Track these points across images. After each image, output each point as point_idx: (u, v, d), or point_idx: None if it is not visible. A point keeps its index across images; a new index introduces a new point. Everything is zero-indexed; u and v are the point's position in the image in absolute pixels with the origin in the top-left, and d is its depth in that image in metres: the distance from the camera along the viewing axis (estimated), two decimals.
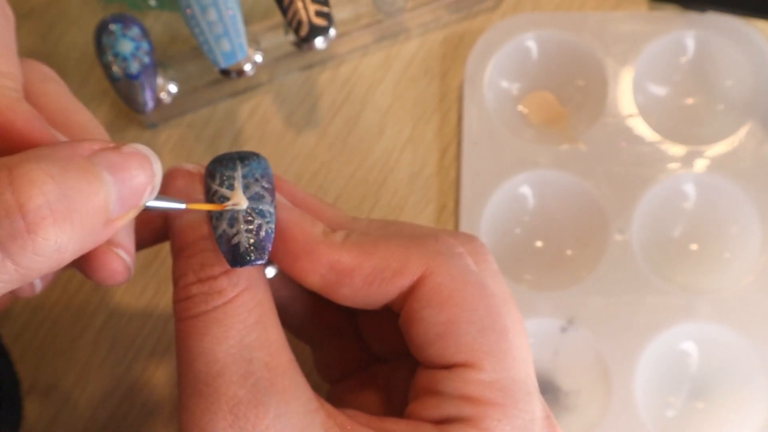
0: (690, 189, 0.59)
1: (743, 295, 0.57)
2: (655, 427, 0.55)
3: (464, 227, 0.58)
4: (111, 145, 0.33)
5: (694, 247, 0.59)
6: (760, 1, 0.60)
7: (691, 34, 0.61)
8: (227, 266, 0.37)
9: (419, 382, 0.40)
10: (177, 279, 0.38)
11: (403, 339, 0.43)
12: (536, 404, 0.39)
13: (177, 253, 0.38)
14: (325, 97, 0.61)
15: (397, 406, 0.43)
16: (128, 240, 0.37)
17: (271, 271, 0.42)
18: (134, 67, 0.53)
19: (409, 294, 0.39)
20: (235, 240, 0.36)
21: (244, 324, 0.36)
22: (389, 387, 0.44)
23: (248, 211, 0.36)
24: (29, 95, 0.37)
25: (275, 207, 0.38)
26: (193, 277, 0.37)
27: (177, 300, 0.38)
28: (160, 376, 0.56)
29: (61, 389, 0.56)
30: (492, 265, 0.41)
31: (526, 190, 0.60)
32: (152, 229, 0.41)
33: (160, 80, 0.57)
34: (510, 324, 0.39)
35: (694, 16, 0.61)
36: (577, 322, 0.56)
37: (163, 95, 0.57)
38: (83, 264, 0.35)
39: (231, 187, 0.37)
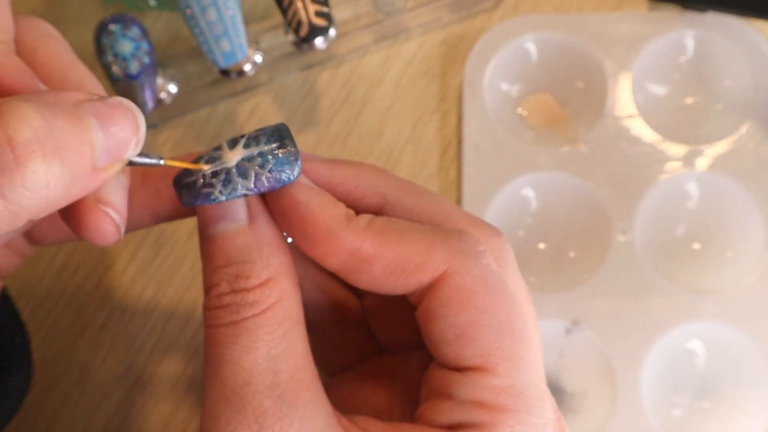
0: (691, 188, 0.62)
1: (747, 293, 0.59)
2: (662, 426, 0.57)
3: None
4: (96, 96, 0.34)
5: (697, 246, 0.61)
6: (760, 2, 0.62)
7: (691, 34, 0.63)
8: (263, 278, 0.38)
9: (431, 383, 0.40)
10: (209, 287, 0.38)
11: (414, 330, 0.43)
12: (548, 408, 0.40)
13: (210, 262, 0.39)
14: (325, 97, 0.63)
15: (406, 402, 0.43)
16: (119, 200, 0.37)
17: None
18: (134, 67, 0.55)
19: (428, 290, 0.39)
20: (193, 178, 0.37)
21: (272, 336, 0.37)
22: (396, 381, 0.44)
23: (226, 172, 0.37)
24: (26, 51, 0.38)
25: (243, 197, 0.38)
26: (226, 287, 0.38)
27: (208, 307, 0.38)
28: (160, 375, 0.58)
29: (61, 389, 0.57)
30: (512, 263, 0.42)
31: (527, 192, 0.62)
32: (155, 209, 0.42)
33: (160, 80, 0.59)
34: (527, 327, 0.40)
35: (693, 16, 0.63)
36: (581, 324, 0.58)
37: (163, 95, 0.59)
38: (73, 220, 0.36)
39: (219, 147, 0.38)
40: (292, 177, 0.38)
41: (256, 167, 0.37)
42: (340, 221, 0.38)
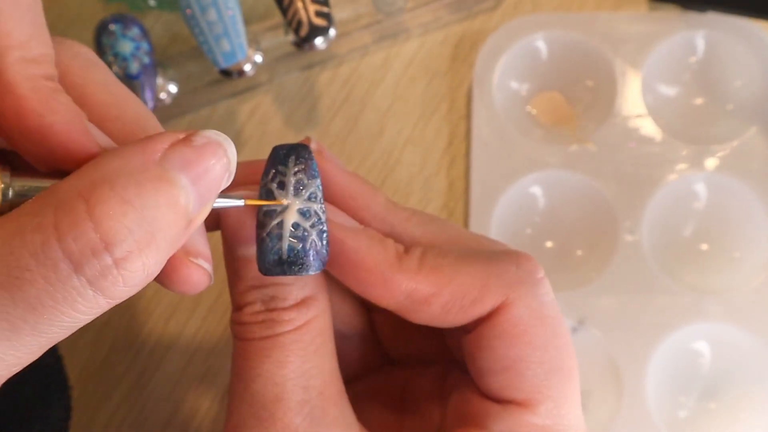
0: (699, 189, 0.63)
1: (754, 294, 0.60)
2: (667, 427, 0.58)
3: (474, 228, 0.61)
4: (180, 137, 0.33)
5: (704, 247, 0.63)
6: (759, 2, 0.63)
7: (700, 35, 0.65)
8: (299, 299, 0.38)
9: (466, 408, 0.41)
10: (242, 305, 0.39)
11: (426, 344, 0.45)
12: None
13: (242, 281, 0.39)
14: (325, 97, 0.65)
15: (415, 417, 0.44)
16: (204, 246, 0.36)
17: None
18: (134, 67, 0.57)
19: (483, 319, 0.40)
20: (278, 246, 0.37)
21: (305, 351, 0.38)
22: (407, 395, 0.46)
23: (298, 216, 0.37)
24: (71, 85, 0.36)
25: (324, 211, 0.38)
26: (261, 306, 0.38)
27: (240, 322, 0.39)
28: (160, 376, 0.59)
29: None
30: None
31: (535, 191, 0.64)
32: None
33: (160, 80, 0.61)
34: (574, 365, 0.41)
35: (693, 17, 0.65)
36: (587, 323, 0.60)
37: (163, 95, 0.61)
38: (164, 279, 0.35)
39: (282, 186, 0.37)
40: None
41: (309, 186, 0.38)
42: (392, 264, 0.39)
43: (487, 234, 0.61)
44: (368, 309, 0.47)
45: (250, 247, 0.38)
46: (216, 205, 0.35)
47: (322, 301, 0.39)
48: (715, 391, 0.60)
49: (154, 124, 0.39)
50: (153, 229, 0.30)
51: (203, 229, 0.37)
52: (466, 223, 0.62)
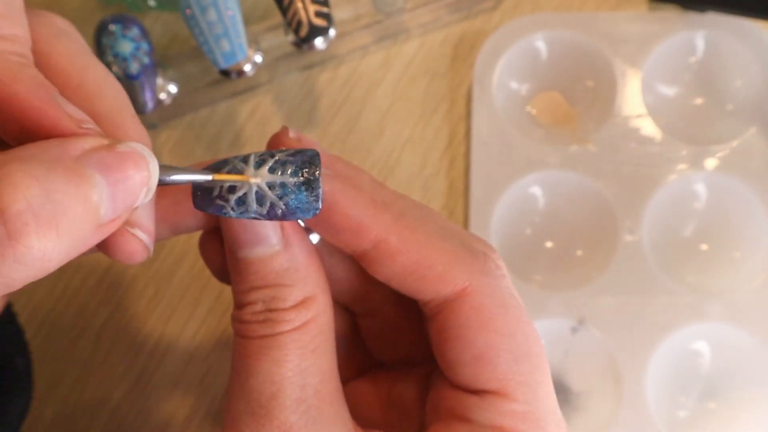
0: (700, 189, 0.64)
1: (754, 295, 0.61)
2: (667, 427, 0.59)
3: (474, 228, 0.61)
4: (104, 143, 0.32)
5: (704, 247, 0.63)
6: (758, 2, 0.63)
7: (700, 35, 0.65)
8: (299, 299, 0.39)
9: (444, 402, 0.41)
10: (243, 304, 0.39)
11: (411, 348, 0.45)
12: None
13: (244, 282, 0.39)
14: (325, 97, 0.65)
15: (402, 419, 0.45)
16: (147, 219, 0.36)
17: (314, 238, 0.42)
18: (134, 67, 0.57)
19: (446, 304, 0.40)
20: (210, 185, 0.37)
21: (303, 350, 0.38)
22: (393, 397, 0.46)
23: (244, 192, 0.36)
24: (39, 55, 0.37)
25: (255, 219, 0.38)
26: (262, 306, 0.39)
27: (241, 321, 0.39)
28: (160, 375, 0.60)
29: (61, 389, 0.60)
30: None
31: (535, 191, 0.64)
32: (173, 221, 0.41)
33: (160, 80, 0.61)
34: (543, 351, 0.41)
35: (701, 17, 0.65)
36: (587, 323, 0.60)
37: (162, 95, 0.61)
38: (100, 244, 0.35)
39: (245, 161, 0.37)
40: (307, 217, 0.37)
41: (274, 197, 0.37)
42: (367, 208, 0.39)
43: (487, 234, 0.61)
44: (353, 314, 0.48)
45: (252, 249, 0.39)
46: (181, 178, 0.35)
47: (322, 300, 0.40)
48: (715, 391, 0.61)
49: (115, 93, 0.39)
50: (56, 212, 0.29)
51: (151, 204, 0.37)
52: (466, 223, 0.63)
